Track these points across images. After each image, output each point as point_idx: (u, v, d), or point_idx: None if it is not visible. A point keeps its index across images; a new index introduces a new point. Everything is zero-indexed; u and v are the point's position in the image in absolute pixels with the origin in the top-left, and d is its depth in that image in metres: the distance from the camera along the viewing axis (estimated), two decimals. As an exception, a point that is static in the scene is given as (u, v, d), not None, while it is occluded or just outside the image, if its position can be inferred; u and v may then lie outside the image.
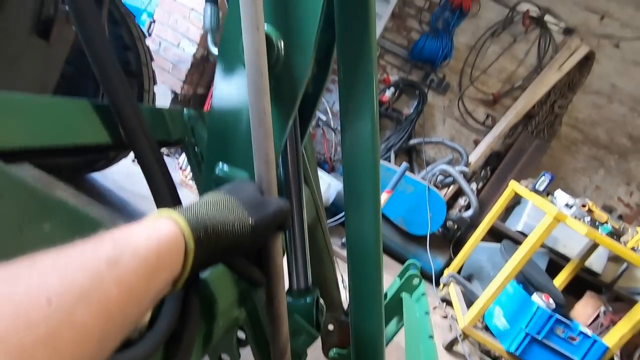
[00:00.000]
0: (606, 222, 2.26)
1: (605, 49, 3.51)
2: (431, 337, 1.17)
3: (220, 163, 0.62)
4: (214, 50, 0.69)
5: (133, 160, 2.32)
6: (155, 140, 0.58)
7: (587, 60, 3.51)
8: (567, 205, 2.32)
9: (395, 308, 1.40)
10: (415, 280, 1.42)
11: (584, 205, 2.24)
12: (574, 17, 3.55)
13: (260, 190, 0.52)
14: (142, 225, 0.31)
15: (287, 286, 0.77)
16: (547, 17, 3.58)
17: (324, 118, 3.81)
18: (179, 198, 0.58)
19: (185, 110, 0.70)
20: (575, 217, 2.20)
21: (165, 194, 0.55)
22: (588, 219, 2.31)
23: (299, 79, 0.57)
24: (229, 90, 0.59)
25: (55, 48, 1.15)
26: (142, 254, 0.28)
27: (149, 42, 3.14)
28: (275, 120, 0.56)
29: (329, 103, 4.25)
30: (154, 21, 3.14)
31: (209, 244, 0.36)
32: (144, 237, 0.30)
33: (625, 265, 3.15)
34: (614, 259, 3.35)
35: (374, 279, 0.71)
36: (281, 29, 0.56)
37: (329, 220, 3.25)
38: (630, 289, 3.11)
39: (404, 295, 1.40)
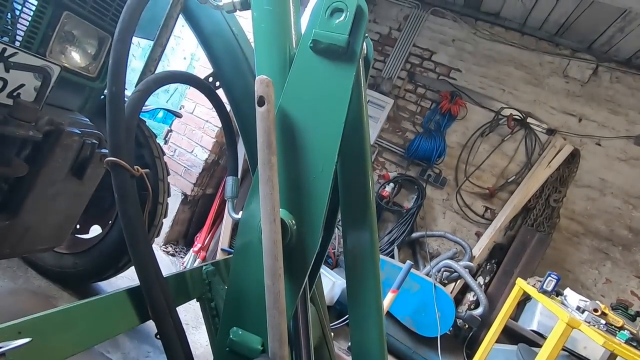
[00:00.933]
0: (622, 327, 2.17)
1: (588, 147, 3.77)
2: None
3: (235, 328, 0.67)
4: (234, 216, 0.78)
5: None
6: (176, 309, 0.64)
7: (574, 157, 3.75)
8: (578, 308, 2.26)
9: None
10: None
11: (595, 310, 2.18)
12: (554, 119, 3.89)
13: None
14: None
15: None
16: (530, 120, 3.92)
17: (327, 214, 3.91)
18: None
19: (204, 267, 0.77)
20: (589, 323, 2.13)
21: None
22: (603, 322, 2.23)
23: (309, 254, 0.65)
24: (248, 264, 0.66)
25: (86, 185, 1.28)
26: None
27: (165, 148, 3.42)
28: (287, 293, 0.63)
29: (332, 197, 4.41)
30: (171, 130, 3.45)
31: None
32: None
33: (654, 370, 2.91)
34: None
35: None
36: (295, 213, 0.65)
37: (333, 323, 3.13)
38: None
39: None
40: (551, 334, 2.12)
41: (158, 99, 3.91)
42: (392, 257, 3.77)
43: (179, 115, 2.37)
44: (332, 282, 3.08)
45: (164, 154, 2.17)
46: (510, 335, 3.22)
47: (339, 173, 0.77)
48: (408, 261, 2.99)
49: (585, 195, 3.74)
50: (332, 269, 3.59)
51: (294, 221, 0.65)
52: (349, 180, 0.75)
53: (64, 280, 2.11)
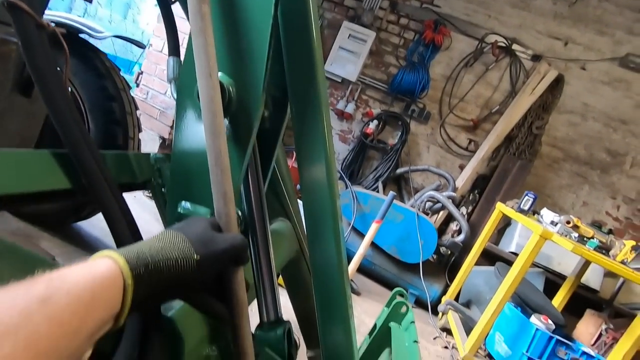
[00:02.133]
0: (593, 237, 2.28)
1: (573, 71, 3.70)
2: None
3: (183, 201, 0.65)
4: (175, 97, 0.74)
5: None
6: (118, 183, 0.61)
7: (558, 83, 3.69)
8: (552, 222, 2.34)
9: (384, 338, 1.37)
10: (403, 308, 1.40)
11: (568, 222, 2.27)
12: (539, 44, 3.77)
13: (217, 227, 0.54)
14: (80, 266, 0.33)
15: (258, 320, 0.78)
16: (515, 46, 3.80)
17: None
18: (141, 239, 0.60)
19: (152, 153, 0.74)
20: (561, 234, 2.22)
21: (126, 235, 0.57)
22: (575, 235, 2.33)
23: (252, 118, 0.62)
24: (188, 132, 0.63)
25: (36, 104, 1.21)
26: (75, 292, 0.30)
27: (137, 92, 3.27)
28: (232, 158, 0.60)
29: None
30: (142, 72, 3.28)
31: (150, 280, 0.38)
32: (78, 276, 0.32)
33: (622, 280, 3.12)
34: (611, 274, 3.33)
35: (342, 304, 0.72)
36: (232, 75, 0.61)
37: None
38: (629, 304, 3.06)
39: (393, 325, 1.38)
40: (525, 246, 2.22)
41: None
42: (376, 190, 3.82)
43: (140, 45, 2.22)
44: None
45: (129, 87, 2.06)
46: (490, 258, 3.37)
47: (288, 81, 0.70)
48: (391, 192, 3.03)
49: (567, 121, 3.75)
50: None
51: (233, 87, 0.61)
52: (298, 90, 0.69)
53: (41, 222, 2.09)
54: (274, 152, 0.78)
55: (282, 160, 1.27)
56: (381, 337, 1.39)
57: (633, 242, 2.19)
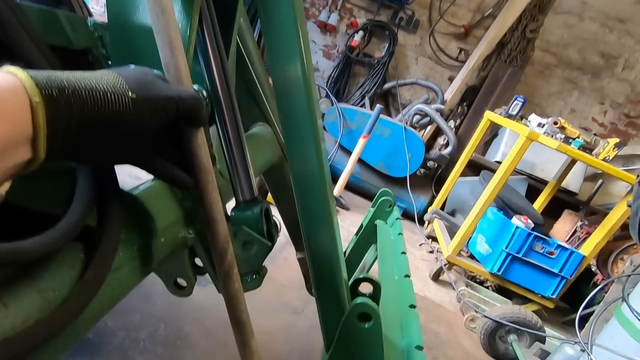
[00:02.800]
0: (578, 137, 2.28)
1: (574, -36, 3.39)
2: (404, 253, 1.18)
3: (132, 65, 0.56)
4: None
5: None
6: (46, 43, 0.52)
7: (556, -21, 3.40)
8: (539, 125, 2.32)
9: (371, 235, 1.40)
10: (388, 205, 1.41)
11: (555, 123, 2.24)
12: None
13: (164, 79, 0.46)
14: None
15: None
16: None
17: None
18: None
19: (89, 18, 0.62)
20: (547, 134, 2.21)
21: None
22: (561, 136, 2.32)
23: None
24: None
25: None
26: None
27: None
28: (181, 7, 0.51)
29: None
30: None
31: (70, 108, 0.32)
32: None
33: (600, 182, 3.23)
34: (590, 178, 3.44)
35: (323, 207, 0.69)
36: None
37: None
38: (605, 205, 3.21)
39: (379, 222, 1.40)
40: (511, 149, 2.21)
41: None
42: (362, 107, 3.70)
43: None
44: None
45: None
46: (476, 168, 3.42)
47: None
48: (378, 105, 2.93)
49: (562, 23, 3.53)
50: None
51: None
52: None
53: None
54: (234, 14, 0.67)
55: (255, 54, 1.15)
56: (368, 234, 1.42)
57: (617, 139, 2.20)
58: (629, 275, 1.49)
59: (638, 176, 1.55)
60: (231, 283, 0.59)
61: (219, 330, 1.40)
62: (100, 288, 0.46)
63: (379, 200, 1.41)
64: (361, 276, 0.81)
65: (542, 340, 1.90)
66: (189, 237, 0.71)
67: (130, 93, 0.37)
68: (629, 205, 1.60)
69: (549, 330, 2.04)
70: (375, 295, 0.79)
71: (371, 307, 0.67)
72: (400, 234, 1.31)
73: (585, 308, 1.60)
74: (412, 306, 0.89)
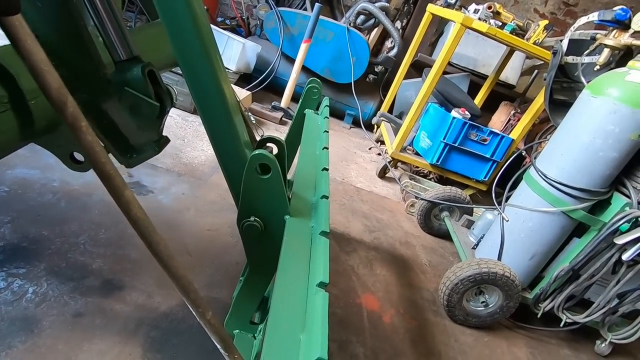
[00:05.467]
0: (512, 21, 2.29)
1: None
2: (326, 131, 1.22)
3: None
4: None
5: None
6: None
7: None
8: (475, 11, 2.29)
9: (301, 126, 1.42)
10: (315, 94, 1.42)
11: (489, 7, 2.22)
12: None
13: None
14: None
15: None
16: None
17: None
18: None
19: None
20: (482, 20, 2.20)
21: None
22: (497, 23, 2.32)
23: None
24: None
25: None
26: None
27: None
28: None
29: (230, -45, 3.64)
30: None
31: None
32: None
33: (535, 72, 3.37)
34: (527, 71, 3.56)
35: (217, 101, 0.67)
36: None
37: (251, 87, 3.11)
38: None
39: (307, 111, 1.42)
40: (448, 38, 2.21)
41: None
42: (304, 10, 3.47)
43: None
44: (242, 44, 2.87)
45: None
46: (421, 70, 3.42)
47: None
48: (317, 4, 2.75)
49: None
50: (245, 38, 3.31)
51: None
52: None
53: None
54: None
55: None
56: (298, 125, 1.43)
57: (546, 21, 2.24)
58: (538, 143, 1.64)
59: (553, 47, 1.62)
60: (82, 135, 0.57)
61: (163, 229, 1.45)
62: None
63: (306, 89, 1.40)
64: (265, 136, 0.84)
65: (470, 212, 2.14)
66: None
67: None
68: (544, 79, 1.70)
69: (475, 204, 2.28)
70: (279, 154, 0.83)
71: (269, 157, 0.71)
72: (326, 117, 1.34)
73: (512, 187, 1.78)
74: (325, 169, 0.95)
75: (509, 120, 2.94)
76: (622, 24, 1.41)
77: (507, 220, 1.60)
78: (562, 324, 1.60)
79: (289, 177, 1.39)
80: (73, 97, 0.69)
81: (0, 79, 0.56)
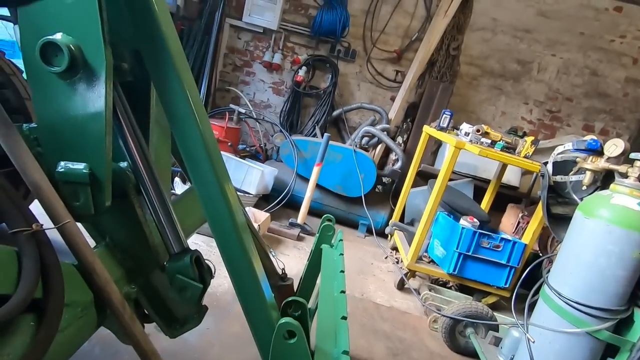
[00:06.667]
0: (500, 140, 2.56)
1: (479, -12, 3.85)
2: (342, 271, 1.33)
3: (61, 162, 0.70)
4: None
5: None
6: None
7: (467, 2, 3.83)
8: (466, 134, 2.59)
9: (318, 260, 1.54)
10: (330, 231, 1.57)
11: (478, 130, 2.52)
12: (446, -36, 3.83)
13: None
14: None
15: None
16: (424, -31, 3.84)
17: (243, 111, 3.85)
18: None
19: (24, 125, 0.76)
20: (472, 142, 2.48)
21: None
22: (487, 141, 2.60)
23: (98, 70, 0.66)
24: (45, 94, 0.67)
25: None
26: None
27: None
28: (88, 110, 0.66)
29: (249, 95, 4.30)
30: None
31: None
32: None
33: (536, 174, 3.56)
34: (527, 172, 3.77)
35: (234, 235, 0.83)
36: (72, 34, 0.64)
37: (271, 205, 3.35)
38: (545, 192, 3.53)
39: (324, 246, 1.55)
40: (445, 159, 2.46)
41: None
42: (314, 136, 3.92)
43: (8, 19, 2.02)
44: (261, 171, 3.21)
45: (20, 71, 1.92)
46: (427, 178, 3.67)
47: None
48: (325, 134, 3.15)
49: (480, 38, 3.96)
50: (263, 163, 3.70)
51: (75, 45, 0.64)
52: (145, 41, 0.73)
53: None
54: (149, 103, 0.83)
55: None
56: (316, 260, 1.56)
57: (532, 137, 2.50)
58: (547, 257, 1.70)
59: (540, 170, 1.80)
60: (136, 328, 0.70)
61: (190, 373, 1.47)
62: (49, 346, 0.58)
63: (321, 227, 1.56)
64: (290, 299, 0.95)
65: (496, 328, 2.08)
66: (131, 291, 0.83)
67: None
68: (539, 196, 1.85)
69: (499, 317, 2.22)
70: (302, 314, 0.93)
71: (294, 325, 0.81)
72: (341, 254, 1.47)
73: (534, 294, 1.79)
74: (344, 317, 1.03)
75: (519, 223, 3.02)
76: (596, 152, 1.60)
77: (534, 342, 1.57)
78: None
79: (309, 304, 1.46)
80: (135, 283, 0.84)
81: (88, 286, 0.71)
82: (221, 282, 2.18)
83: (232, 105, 3.88)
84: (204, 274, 0.86)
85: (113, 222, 0.81)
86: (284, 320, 0.81)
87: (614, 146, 1.54)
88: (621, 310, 1.41)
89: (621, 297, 1.41)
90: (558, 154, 1.76)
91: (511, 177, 3.58)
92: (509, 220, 3.15)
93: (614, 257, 1.39)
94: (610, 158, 1.57)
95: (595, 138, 1.60)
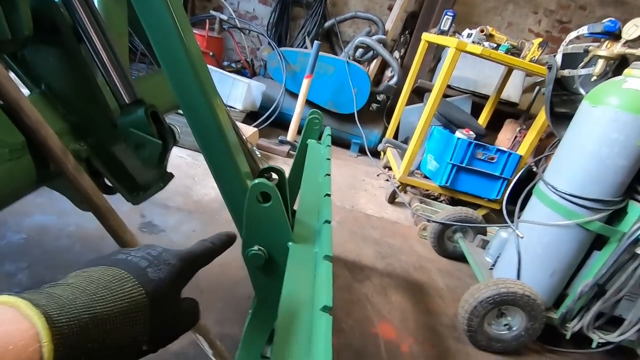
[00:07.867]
0: (506, 42, 2.35)
1: None
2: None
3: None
4: None
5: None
6: None
7: None
8: (468, 35, 2.37)
9: (304, 157, 1.44)
10: (316, 124, 1.46)
11: (482, 31, 2.29)
12: None
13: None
14: None
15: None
16: None
17: (225, 18, 3.49)
18: None
19: None
20: (475, 42, 2.27)
21: None
22: (491, 44, 2.38)
23: None
24: None
25: None
26: None
27: None
28: None
29: (233, 5, 3.89)
30: None
31: (81, 347, 0.27)
32: None
33: (537, 89, 3.39)
34: (529, 88, 3.59)
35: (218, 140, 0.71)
36: None
37: (257, 123, 3.20)
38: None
39: (310, 141, 1.45)
40: (444, 61, 2.27)
41: None
42: (305, 48, 3.63)
43: None
44: (247, 84, 3.00)
45: None
46: (423, 95, 3.48)
47: None
48: (316, 42, 2.88)
49: None
50: (250, 78, 3.46)
51: None
52: None
53: None
54: None
55: None
56: (302, 157, 1.46)
57: (540, 39, 2.29)
58: (545, 156, 1.63)
59: (547, 62, 1.65)
60: (83, 180, 0.61)
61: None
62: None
63: (307, 120, 1.44)
64: (266, 166, 0.86)
65: (484, 232, 2.09)
66: (81, 149, 0.73)
67: (149, 312, 0.33)
68: (543, 93, 1.71)
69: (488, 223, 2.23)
70: (280, 182, 0.85)
71: (268, 186, 0.73)
72: (328, 145, 1.37)
73: (524, 202, 1.75)
74: (327, 195, 0.96)
75: (516, 137, 2.93)
76: (613, 35, 1.44)
77: (522, 237, 1.56)
78: (594, 345, 1.50)
79: (295, 207, 1.40)
80: (85, 141, 0.74)
81: (18, 127, 0.60)
82: (208, 191, 2.12)
83: (212, 12, 3.51)
84: (164, 132, 0.74)
85: (46, 64, 0.68)
86: (257, 180, 0.73)
87: (635, 27, 1.37)
88: (616, 201, 1.37)
89: (618, 187, 1.36)
90: (568, 42, 1.59)
91: (511, 92, 3.41)
92: (505, 135, 3.06)
93: (618, 146, 1.30)
94: (628, 42, 1.41)
95: (614, 19, 1.42)
